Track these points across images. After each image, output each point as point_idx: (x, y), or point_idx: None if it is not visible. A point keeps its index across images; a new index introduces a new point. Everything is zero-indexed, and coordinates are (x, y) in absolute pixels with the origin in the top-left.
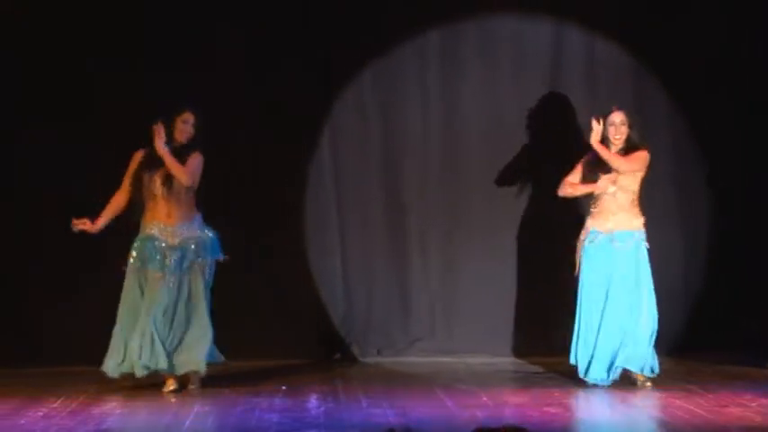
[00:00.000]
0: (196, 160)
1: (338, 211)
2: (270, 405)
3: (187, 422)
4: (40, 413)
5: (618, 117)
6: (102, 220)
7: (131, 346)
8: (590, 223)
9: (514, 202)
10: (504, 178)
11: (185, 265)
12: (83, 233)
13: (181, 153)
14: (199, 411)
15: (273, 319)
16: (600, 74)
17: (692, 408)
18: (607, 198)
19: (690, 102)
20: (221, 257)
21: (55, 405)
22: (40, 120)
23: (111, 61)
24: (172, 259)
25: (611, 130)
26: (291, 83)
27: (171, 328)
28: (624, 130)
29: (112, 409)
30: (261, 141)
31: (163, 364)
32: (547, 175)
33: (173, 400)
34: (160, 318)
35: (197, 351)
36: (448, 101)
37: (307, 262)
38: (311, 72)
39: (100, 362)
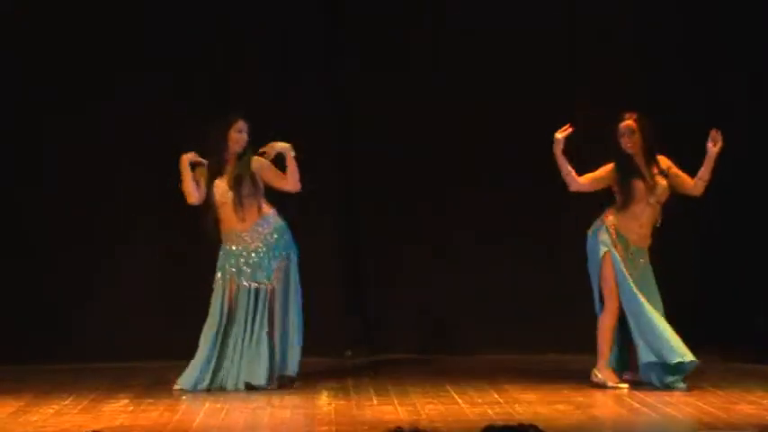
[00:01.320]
0: (272, 169)
1: (348, 208)
2: (281, 402)
3: (198, 419)
4: (52, 410)
5: (625, 128)
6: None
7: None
8: None
9: (521, 198)
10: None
11: (267, 271)
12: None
13: (239, 162)
14: (210, 409)
15: None
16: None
17: (702, 405)
18: None
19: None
20: (293, 253)
21: (66, 402)
22: (41, 118)
23: (111, 61)
24: (251, 266)
25: (624, 140)
26: (297, 82)
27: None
28: (635, 138)
29: (124, 406)
30: (262, 138)
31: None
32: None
33: (183, 397)
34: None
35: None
36: (462, 101)
37: (318, 260)
38: (312, 71)
39: (114, 358)
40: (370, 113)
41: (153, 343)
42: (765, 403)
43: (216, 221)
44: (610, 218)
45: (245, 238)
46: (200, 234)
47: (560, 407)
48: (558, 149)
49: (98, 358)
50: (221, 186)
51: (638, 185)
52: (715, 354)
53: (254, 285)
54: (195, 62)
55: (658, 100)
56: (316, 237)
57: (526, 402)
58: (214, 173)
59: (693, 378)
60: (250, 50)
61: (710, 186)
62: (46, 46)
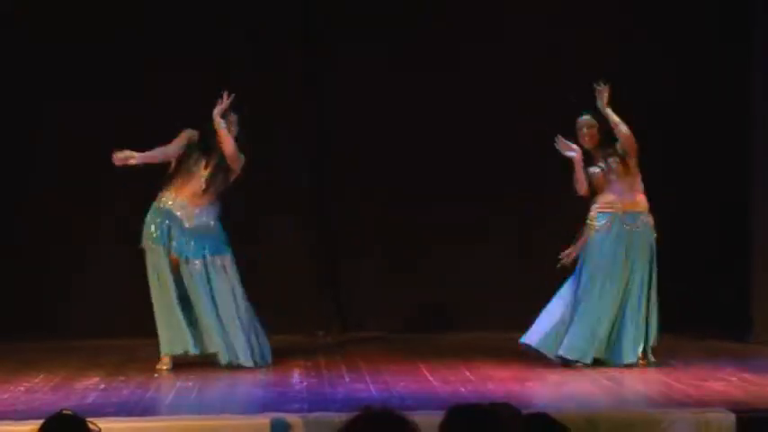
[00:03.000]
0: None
1: (323, 191)
2: (254, 380)
3: (169, 397)
4: (22, 388)
5: (585, 122)
6: (141, 158)
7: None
8: None
9: (500, 188)
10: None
11: (205, 256)
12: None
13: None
14: (181, 387)
15: (257, 296)
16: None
17: (673, 383)
18: None
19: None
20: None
21: (37, 380)
22: (43, 115)
23: (111, 60)
24: (190, 245)
25: (580, 134)
26: (295, 82)
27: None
28: (593, 131)
29: (95, 384)
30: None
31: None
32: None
33: (155, 375)
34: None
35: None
36: (452, 98)
37: (291, 239)
38: (311, 71)
39: (85, 336)
40: (367, 112)
41: (124, 321)
42: (735, 380)
43: (172, 172)
44: (593, 207)
45: (187, 212)
46: None
47: (532, 384)
48: (579, 163)
49: (69, 336)
50: (203, 163)
51: (596, 174)
52: (686, 331)
53: (201, 262)
54: (194, 62)
55: (658, 99)
56: (291, 217)
57: (498, 380)
58: (203, 146)
59: (664, 355)
60: (250, 50)
61: (693, 171)
62: (45, 46)
